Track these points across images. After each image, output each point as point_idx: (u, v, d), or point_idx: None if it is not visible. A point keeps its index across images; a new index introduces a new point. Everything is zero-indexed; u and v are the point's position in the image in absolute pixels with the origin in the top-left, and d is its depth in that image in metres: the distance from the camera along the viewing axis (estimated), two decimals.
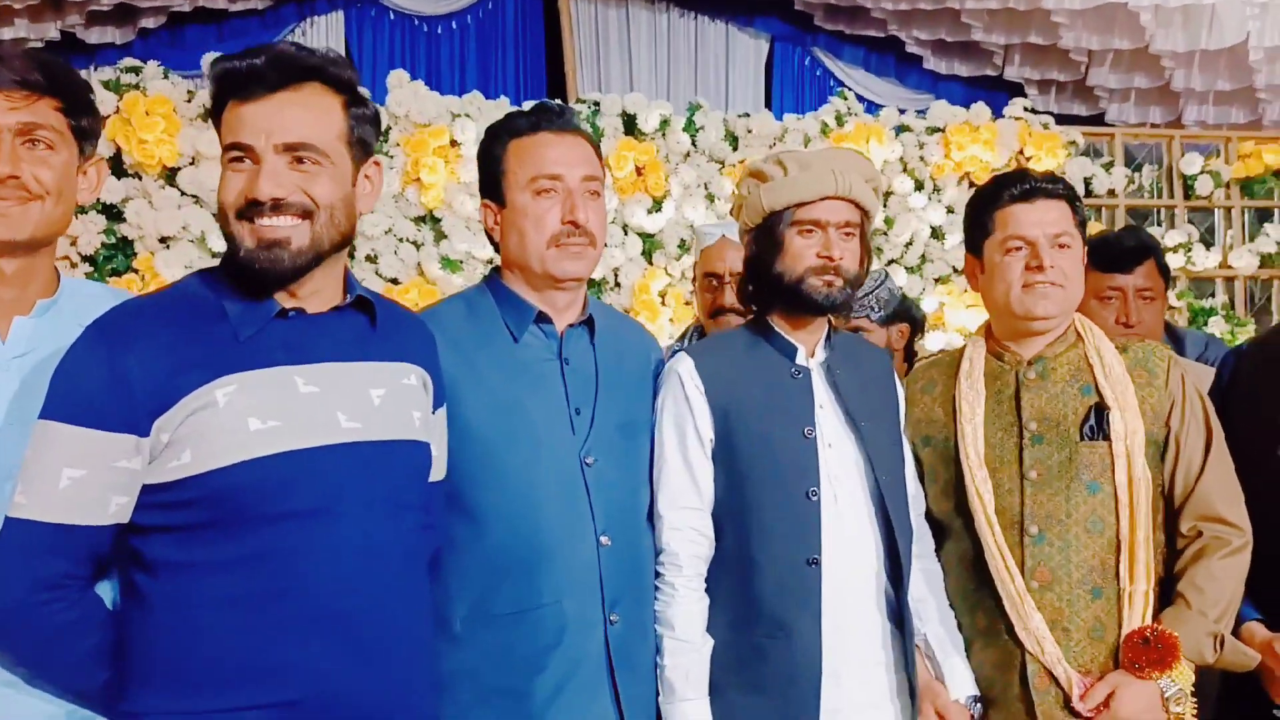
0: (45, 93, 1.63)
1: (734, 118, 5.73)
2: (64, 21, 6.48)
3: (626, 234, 5.34)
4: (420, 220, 5.19)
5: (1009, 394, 2.09)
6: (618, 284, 5.35)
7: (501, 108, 5.25)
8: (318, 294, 1.60)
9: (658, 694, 1.89)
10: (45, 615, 1.46)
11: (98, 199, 4.23)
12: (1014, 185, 2.10)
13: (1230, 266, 6.26)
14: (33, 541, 1.45)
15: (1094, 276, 2.75)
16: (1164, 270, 2.88)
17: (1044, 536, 1.99)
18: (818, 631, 1.87)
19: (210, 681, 1.45)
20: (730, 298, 2.71)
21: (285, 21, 7.15)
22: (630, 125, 5.49)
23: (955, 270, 5.64)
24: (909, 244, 5.71)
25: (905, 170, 5.77)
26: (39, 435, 1.46)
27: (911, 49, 7.80)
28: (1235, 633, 2.04)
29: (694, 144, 5.56)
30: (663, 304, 5.31)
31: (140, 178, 4.88)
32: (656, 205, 5.38)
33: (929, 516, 2.14)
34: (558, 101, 2.10)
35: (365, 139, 1.63)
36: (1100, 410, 2.02)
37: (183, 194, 4.88)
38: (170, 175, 4.89)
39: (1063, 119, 6.78)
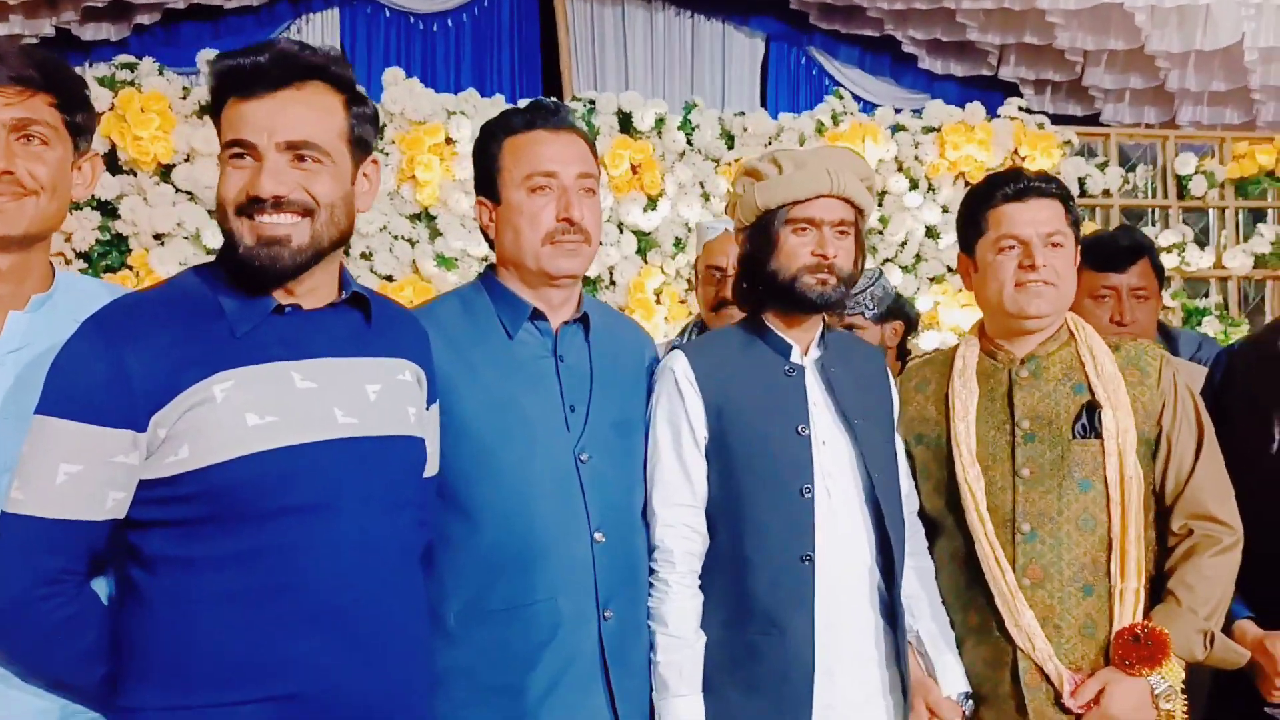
0: (40, 88, 1.63)
1: (729, 116, 5.75)
2: (59, 18, 6.49)
3: (622, 232, 5.35)
4: (415, 218, 5.20)
5: (1002, 392, 2.10)
6: (613, 282, 5.36)
7: (497, 106, 5.26)
8: (315, 291, 1.60)
9: (651, 690, 1.89)
10: (42, 611, 1.46)
11: (92, 195, 4.24)
12: (1007, 184, 2.10)
13: (1224, 267, 6.28)
14: (30, 537, 1.45)
15: (1088, 275, 2.76)
16: (1158, 270, 2.89)
17: (1036, 534, 2.00)
18: (811, 628, 1.88)
19: (208, 676, 1.46)
20: None
21: (280, 19, 7.16)
22: (626, 123, 5.50)
23: (950, 269, 5.66)
24: (904, 243, 5.73)
25: (900, 169, 5.79)
26: (36, 430, 1.46)
27: (907, 48, 7.83)
28: (1226, 630, 2.05)
29: (689, 142, 5.57)
30: (658, 302, 5.32)
31: (135, 174, 4.88)
32: (652, 203, 5.39)
33: (922, 514, 2.15)
34: (553, 99, 2.09)
35: (365, 138, 1.63)
36: (1092, 408, 2.03)
37: (177, 191, 4.88)
38: (165, 172, 4.90)
39: (1058, 119, 6.81)
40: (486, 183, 1.94)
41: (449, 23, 7.43)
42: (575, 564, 1.81)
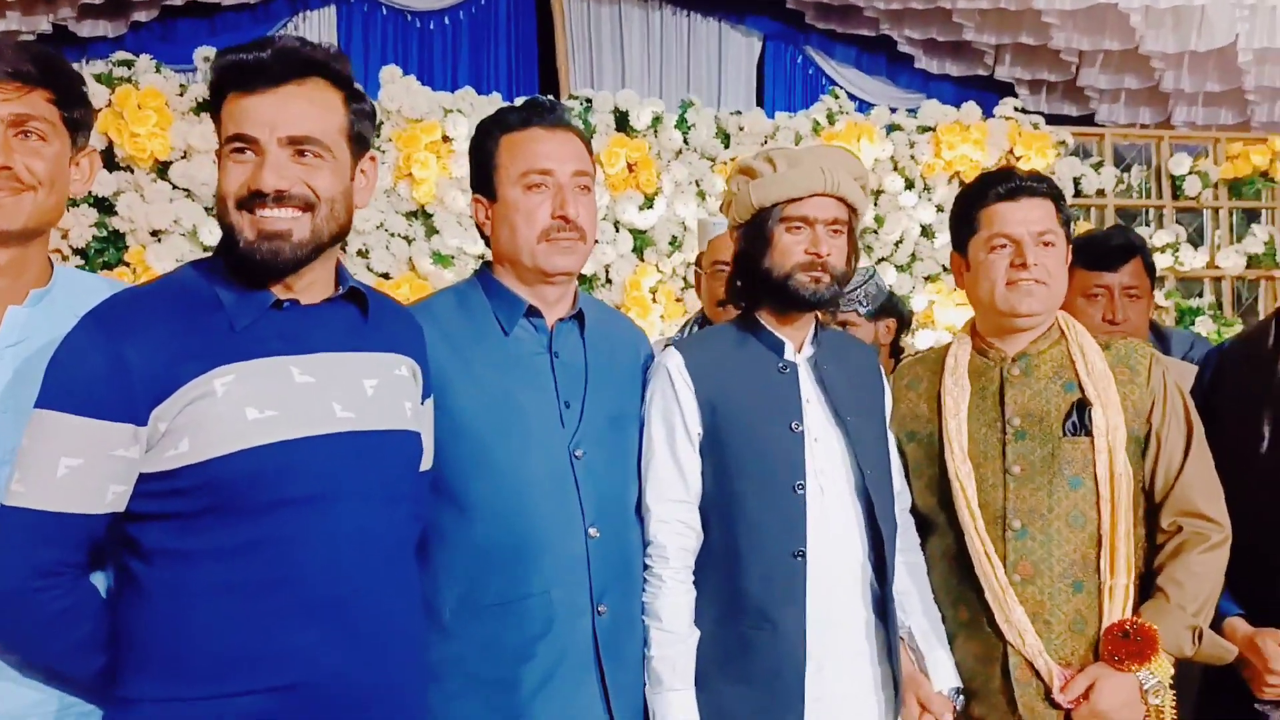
0: (38, 84, 1.64)
1: (726, 115, 5.76)
2: (56, 14, 6.48)
3: (618, 230, 5.36)
4: (412, 215, 5.20)
5: (993, 390, 2.11)
6: (609, 280, 5.36)
7: (493, 104, 5.26)
8: (313, 286, 1.61)
9: (644, 684, 1.90)
10: (39, 603, 1.47)
11: (89, 192, 4.24)
12: (999, 184, 2.12)
13: (1217, 266, 6.30)
14: (29, 529, 1.45)
15: (1080, 274, 2.78)
16: (1150, 269, 2.90)
17: (1026, 531, 2.01)
18: (803, 623, 1.89)
19: (206, 667, 1.47)
20: None
21: (277, 16, 7.15)
22: (622, 122, 5.50)
23: (945, 269, 5.66)
24: (899, 242, 5.74)
25: (896, 169, 5.80)
26: (36, 424, 1.47)
27: (903, 48, 7.84)
28: (1216, 627, 2.06)
29: (686, 141, 5.58)
30: (654, 300, 5.32)
31: (132, 171, 4.88)
32: (648, 202, 5.40)
33: (914, 511, 2.16)
34: (549, 97, 2.10)
35: (364, 134, 1.64)
36: (1082, 406, 2.04)
37: (174, 187, 4.88)
38: (162, 169, 4.90)
39: (1053, 119, 6.82)
40: (483, 180, 1.95)
41: (446, 20, 7.42)
42: (569, 559, 1.82)
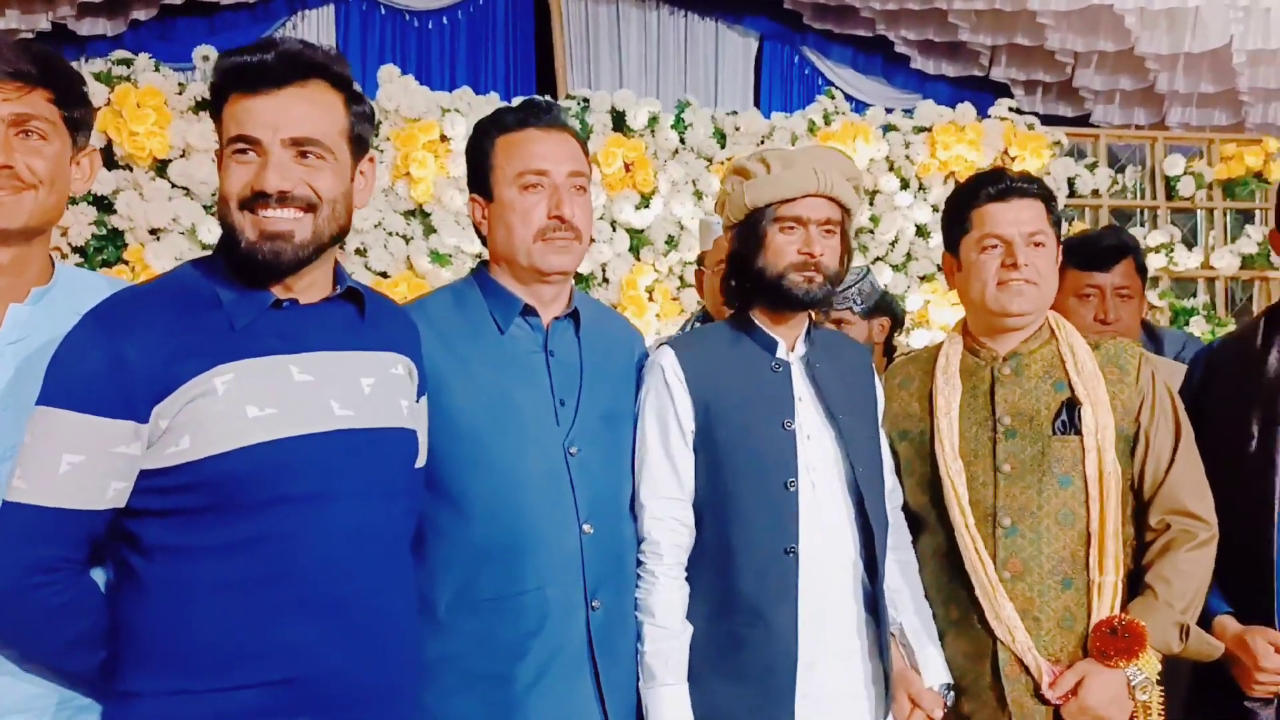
0: (38, 84, 1.65)
1: (722, 115, 5.77)
2: (55, 13, 6.49)
3: (615, 230, 5.37)
4: (409, 214, 5.21)
5: (984, 389, 2.13)
6: (605, 279, 5.37)
7: (491, 103, 5.27)
8: (312, 286, 1.63)
9: (638, 679, 1.92)
10: (40, 598, 1.48)
11: (89, 190, 4.25)
12: (990, 185, 2.13)
13: (1212, 267, 6.32)
14: (31, 525, 1.47)
15: (1073, 275, 2.79)
16: (1141, 269, 2.91)
17: (1016, 528, 2.03)
18: (794, 620, 1.90)
19: (205, 662, 1.48)
20: None
21: (276, 15, 7.16)
22: (619, 122, 5.51)
23: (940, 268, 5.68)
24: (894, 242, 5.75)
25: (891, 169, 5.82)
26: (38, 421, 1.48)
27: (899, 49, 7.86)
28: (1206, 625, 2.08)
29: (682, 141, 5.59)
30: (650, 299, 5.34)
31: (131, 169, 4.88)
32: (644, 201, 5.41)
33: (906, 509, 2.17)
34: (545, 98, 2.12)
35: (363, 136, 1.66)
36: (1072, 405, 2.06)
37: (173, 186, 4.89)
38: (161, 167, 4.90)
39: (1049, 119, 6.84)
40: (479, 180, 1.97)
41: (444, 20, 7.44)
42: (564, 555, 1.84)
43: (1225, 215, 6.44)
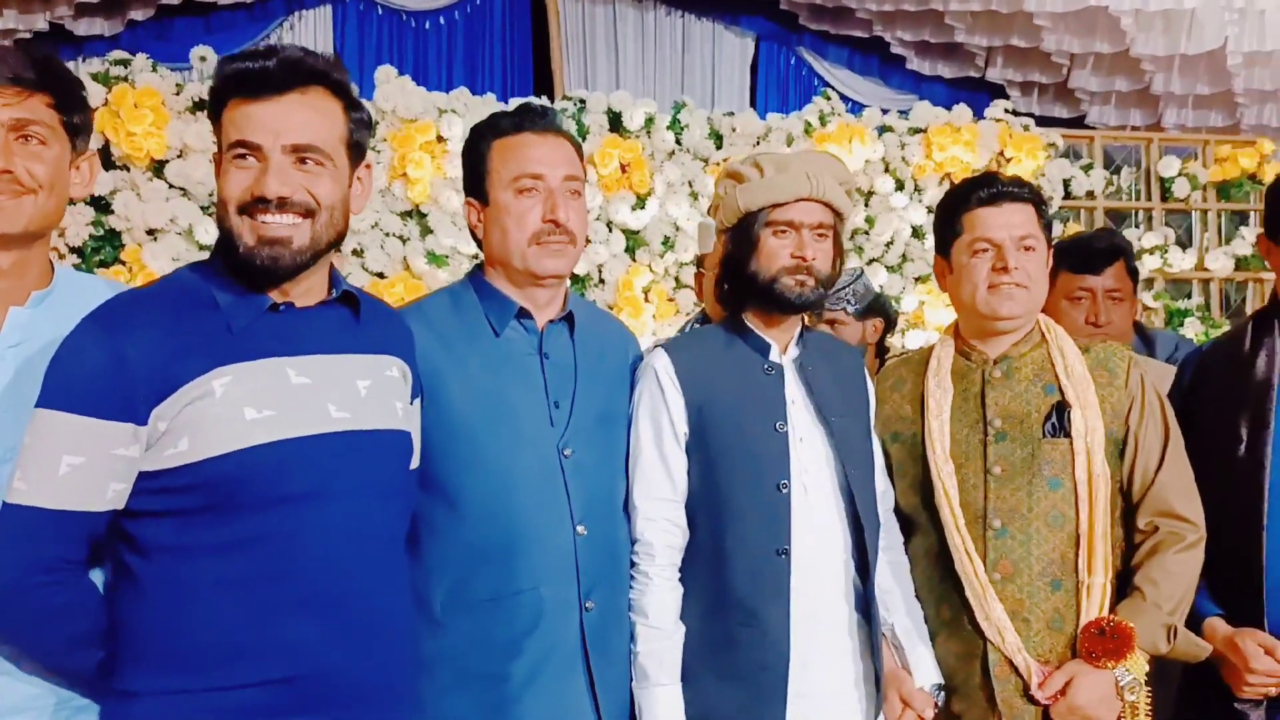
0: (38, 89, 1.66)
1: (718, 116, 5.77)
2: (53, 13, 6.49)
3: (611, 231, 5.37)
4: (406, 215, 5.21)
5: (975, 392, 2.14)
6: (602, 280, 5.38)
7: (488, 104, 5.27)
8: (309, 291, 1.65)
9: (631, 678, 1.93)
10: (40, 598, 1.49)
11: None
12: (981, 189, 2.15)
13: (1206, 268, 6.33)
14: (31, 526, 1.48)
15: (1065, 277, 2.82)
16: (1133, 272, 2.93)
17: (1006, 530, 2.05)
18: (786, 620, 1.92)
19: (204, 660, 1.50)
20: None
21: (273, 15, 7.16)
22: (615, 123, 5.52)
23: None
24: (890, 243, 5.76)
25: (887, 170, 5.82)
26: (38, 423, 1.49)
27: (896, 50, 7.88)
28: (1197, 627, 2.10)
29: (678, 142, 5.60)
30: (646, 300, 5.35)
31: (128, 170, 4.88)
32: (641, 202, 5.41)
33: (897, 510, 2.19)
34: (541, 103, 2.13)
35: (361, 142, 1.67)
36: (1062, 408, 2.07)
37: (170, 186, 4.88)
38: (158, 168, 4.90)
39: (1045, 120, 6.86)
40: (475, 184, 1.98)
41: (441, 20, 7.44)
42: (558, 556, 1.85)
43: (1220, 217, 6.45)
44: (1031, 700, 2.00)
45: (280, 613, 1.52)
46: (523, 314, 1.95)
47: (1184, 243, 6.36)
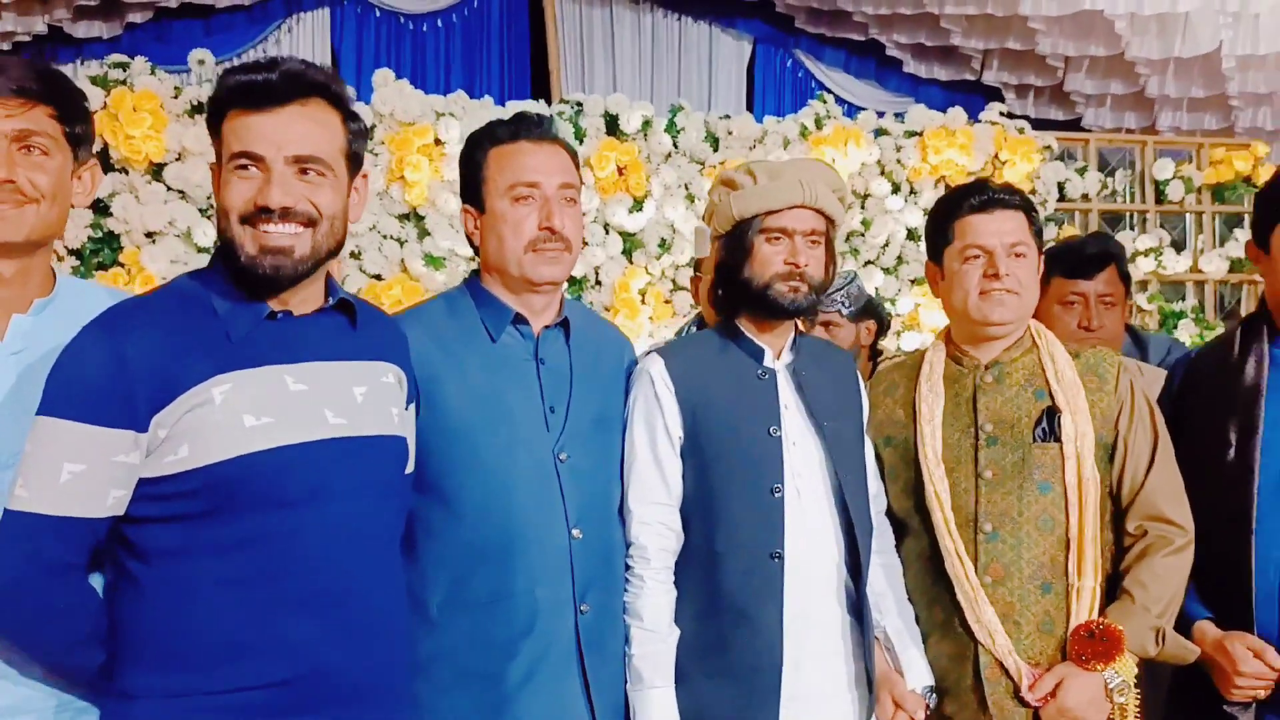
0: (40, 100, 1.67)
1: (715, 119, 5.77)
2: (51, 15, 6.48)
3: (608, 233, 5.37)
4: (404, 218, 5.21)
5: (966, 396, 2.16)
6: (598, 282, 5.39)
7: (486, 107, 5.28)
8: (307, 300, 1.67)
9: (625, 680, 1.95)
10: (39, 599, 1.51)
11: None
12: (973, 196, 2.17)
13: (1200, 271, 6.34)
14: (32, 532, 1.49)
15: (1057, 282, 2.83)
16: (1125, 277, 2.94)
17: (997, 534, 2.07)
18: (779, 622, 1.94)
19: (204, 660, 1.51)
20: None
21: (272, 18, 7.15)
22: (612, 126, 5.52)
23: None
24: (885, 246, 5.77)
25: (883, 173, 5.82)
26: (39, 430, 1.51)
27: (892, 52, 7.89)
28: (1186, 631, 2.11)
29: (675, 145, 5.60)
30: (643, 302, 5.35)
31: (127, 173, 4.87)
32: (637, 205, 5.42)
33: (890, 514, 2.20)
34: (537, 111, 2.15)
35: (359, 153, 1.70)
36: (1052, 413, 2.09)
37: (169, 189, 4.87)
38: (157, 170, 4.89)
39: (1040, 123, 6.85)
40: (472, 191, 2.00)
41: (439, 24, 7.44)
42: (553, 558, 1.87)
43: (1214, 219, 6.46)
44: (1022, 702, 2.02)
45: (280, 611, 1.54)
46: (519, 320, 1.97)
47: (1178, 245, 6.37)
